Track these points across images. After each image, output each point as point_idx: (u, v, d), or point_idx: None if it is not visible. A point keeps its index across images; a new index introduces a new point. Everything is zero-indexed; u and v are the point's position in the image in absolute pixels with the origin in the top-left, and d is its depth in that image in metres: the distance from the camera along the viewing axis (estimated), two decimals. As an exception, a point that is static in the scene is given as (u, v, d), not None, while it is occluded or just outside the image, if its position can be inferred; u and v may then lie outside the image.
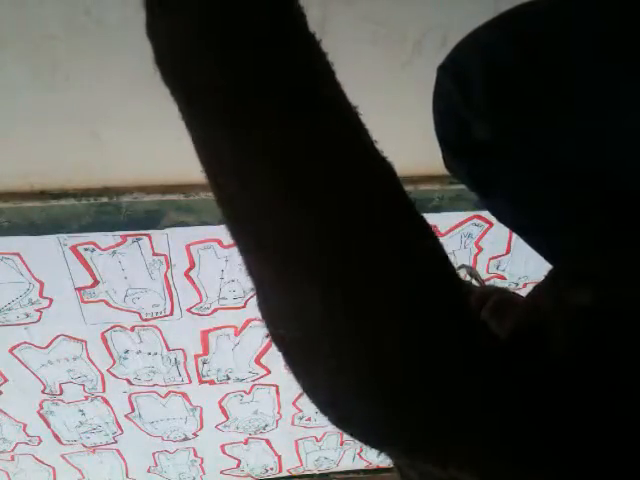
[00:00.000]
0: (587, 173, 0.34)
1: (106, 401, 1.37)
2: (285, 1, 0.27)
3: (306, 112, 0.28)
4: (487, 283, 0.72)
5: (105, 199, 0.98)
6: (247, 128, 0.27)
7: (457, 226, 1.14)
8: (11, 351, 1.22)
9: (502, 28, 0.38)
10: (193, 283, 1.15)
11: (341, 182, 0.28)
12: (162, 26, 0.27)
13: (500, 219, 0.45)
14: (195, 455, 1.58)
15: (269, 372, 1.37)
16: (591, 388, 0.29)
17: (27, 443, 1.45)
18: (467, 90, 0.38)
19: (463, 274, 0.67)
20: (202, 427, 1.49)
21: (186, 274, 1.13)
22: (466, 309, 0.31)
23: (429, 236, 0.30)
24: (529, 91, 0.35)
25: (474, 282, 0.67)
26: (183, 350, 1.28)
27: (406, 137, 0.91)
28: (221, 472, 1.66)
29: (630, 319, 0.30)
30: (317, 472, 1.73)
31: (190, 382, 1.36)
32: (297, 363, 0.31)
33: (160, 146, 0.93)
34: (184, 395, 1.39)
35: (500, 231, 1.14)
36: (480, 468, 0.30)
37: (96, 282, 1.11)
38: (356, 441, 0.32)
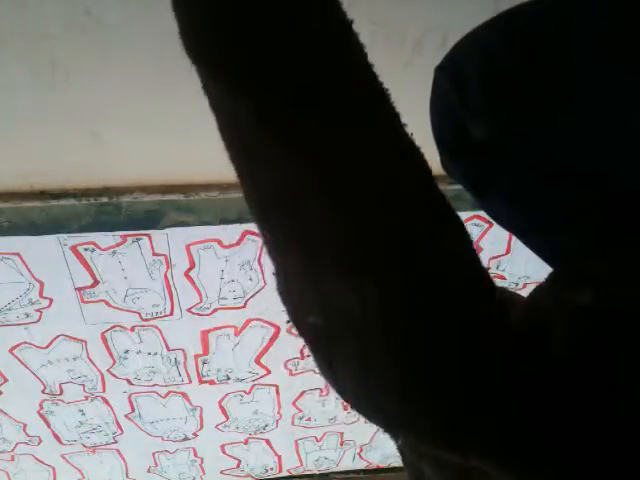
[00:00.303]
0: (587, 173, 0.34)
1: (106, 401, 1.37)
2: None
3: (342, 101, 0.28)
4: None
5: (105, 199, 0.98)
6: (274, 115, 0.28)
7: (457, 226, 1.14)
8: (11, 351, 1.22)
9: (500, 28, 0.38)
10: (193, 283, 1.15)
11: (373, 175, 0.28)
12: None
13: (497, 220, 0.45)
14: (195, 455, 1.58)
15: (269, 372, 1.37)
16: (591, 388, 0.29)
17: (27, 443, 1.45)
18: (465, 90, 0.38)
19: None
20: (202, 427, 1.49)
21: (186, 274, 1.13)
22: (490, 308, 0.31)
23: (459, 233, 0.31)
24: (528, 91, 0.35)
25: None
26: (183, 350, 1.28)
27: (406, 137, 0.91)
28: (221, 472, 1.66)
29: (630, 319, 0.30)
30: (317, 472, 1.73)
31: (190, 382, 1.36)
32: (319, 350, 0.32)
33: (160, 146, 0.93)
34: (184, 395, 1.39)
35: (500, 231, 1.13)
36: (493, 459, 0.30)
37: (96, 282, 1.11)
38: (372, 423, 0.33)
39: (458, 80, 0.39)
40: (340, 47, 0.29)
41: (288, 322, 0.32)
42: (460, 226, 0.31)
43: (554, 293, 0.36)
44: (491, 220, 0.45)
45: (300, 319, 0.32)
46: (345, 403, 0.33)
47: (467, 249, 0.31)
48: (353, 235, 0.28)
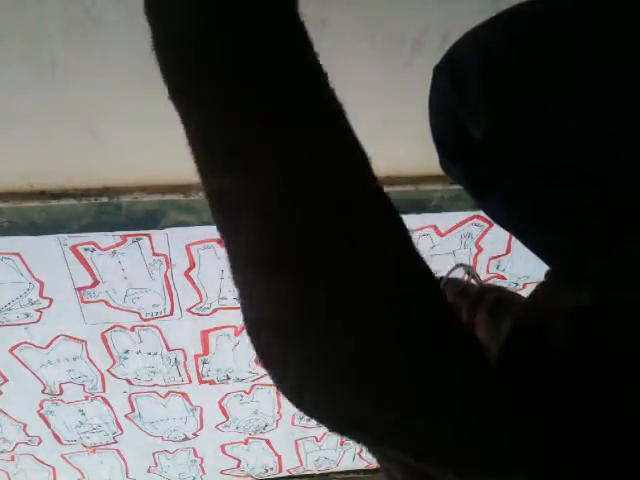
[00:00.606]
0: (585, 173, 0.34)
1: (106, 401, 1.37)
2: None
3: (305, 116, 0.28)
4: (487, 283, 0.72)
5: (105, 199, 0.98)
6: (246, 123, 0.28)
7: (457, 226, 1.14)
8: (11, 351, 1.22)
9: (500, 28, 0.38)
10: (193, 283, 1.15)
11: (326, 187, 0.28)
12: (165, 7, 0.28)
13: (495, 220, 0.44)
14: (195, 455, 1.58)
15: (269, 372, 1.37)
16: (590, 389, 0.29)
17: (27, 443, 1.45)
18: (464, 89, 0.38)
19: (461, 273, 0.67)
20: (202, 427, 1.49)
21: (186, 274, 1.13)
22: (452, 322, 0.31)
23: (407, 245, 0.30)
24: (527, 90, 0.35)
25: (472, 281, 0.67)
26: (183, 350, 1.28)
27: (406, 137, 0.91)
28: (221, 472, 1.66)
29: (629, 319, 0.30)
30: (317, 472, 1.73)
31: (190, 382, 1.36)
32: (274, 363, 0.31)
33: (160, 146, 0.93)
34: (184, 395, 1.39)
35: (500, 231, 1.13)
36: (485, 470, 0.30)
37: (96, 282, 1.11)
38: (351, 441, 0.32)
39: (457, 79, 0.39)
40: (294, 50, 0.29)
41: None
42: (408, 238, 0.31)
43: (553, 293, 0.36)
44: (491, 220, 0.45)
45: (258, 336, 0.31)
46: (319, 424, 0.32)
47: (401, 231, 0.31)
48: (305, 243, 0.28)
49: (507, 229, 0.45)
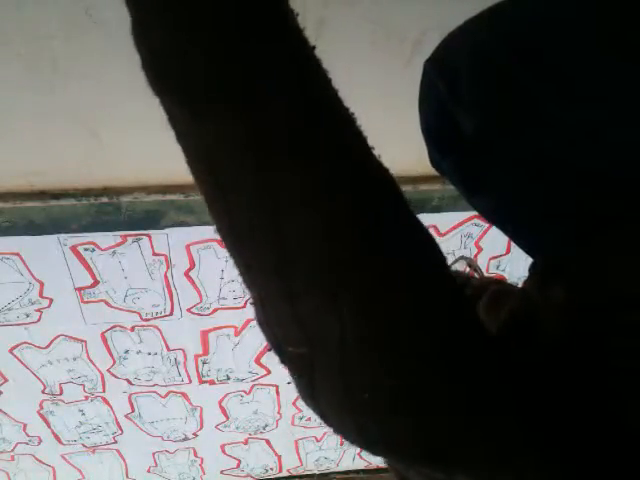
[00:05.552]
0: (573, 170, 0.34)
1: (106, 401, 1.37)
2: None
3: (305, 117, 0.28)
4: (488, 276, 0.72)
5: (105, 199, 0.98)
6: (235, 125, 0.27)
7: (457, 226, 1.14)
8: (11, 351, 1.22)
9: (490, 21, 0.38)
10: (193, 283, 1.15)
11: (338, 188, 0.28)
12: (154, 25, 0.27)
13: (486, 216, 0.44)
14: (195, 455, 1.58)
15: (269, 372, 1.37)
16: (570, 384, 0.29)
17: (27, 443, 1.45)
18: (454, 83, 0.38)
19: (462, 266, 0.67)
20: (202, 427, 1.49)
21: (186, 274, 1.13)
22: (467, 319, 0.31)
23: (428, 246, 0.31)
24: (518, 85, 0.35)
25: (474, 274, 0.67)
26: (183, 350, 1.28)
27: (406, 137, 0.90)
28: (221, 472, 1.66)
29: (599, 315, 0.31)
30: (317, 472, 1.73)
31: (190, 382, 1.36)
32: (302, 376, 0.32)
33: (160, 146, 0.93)
34: (184, 395, 1.39)
35: (500, 231, 1.13)
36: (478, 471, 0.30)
37: (96, 282, 1.11)
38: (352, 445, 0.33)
39: (447, 73, 0.38)
40: (298, 63, 0.28)
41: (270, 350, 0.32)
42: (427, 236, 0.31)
43: (536, 288, 0.37)
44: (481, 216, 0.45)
45: (280, 347, 0.32)
46: (328, 427, 0.32)
47: (429, 245, 0.31)
48: (327, 253, 0.28)
49: (496, 225, 0.45)
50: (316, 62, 0.29)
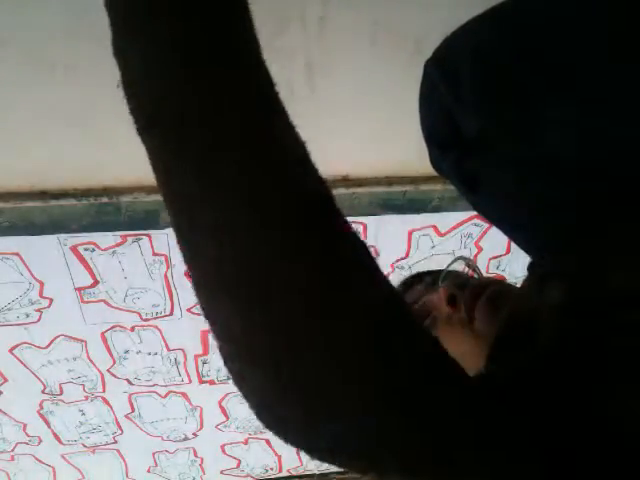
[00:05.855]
0: (574, 169, 0.34)
1: (106, 401, 1.37)
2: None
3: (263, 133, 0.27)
4: (487, 276, 0.72)
5: (105, 199, 0.98)
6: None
7: (457, 226, 1.14)
8: (11, 351, 1.22)
9: (491, 21, 0.38)
10: (193, 283, 1.15)
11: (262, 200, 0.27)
12: (135, 45, 0.27)
13: (485, 215, 0.44)
14: (195, 455, 1.58)
15: (269, 372, 1.37)
16: (565, 385, 0.29)
17: (27, 443, 1.45)
18: (455, 82, 0.38)
19: (461, 266, 0.66)
20: (202, 427, 1.49)
21: (186, 274, 1.13)
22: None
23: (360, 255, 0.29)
24: (519, 84, 0.35)
25: (473, 274, 0.67)
26: (183, 350, 1.28)
27: (406, 137, 0.91)
28: (221, 472, 1.66)
29: (599, 315, 0.31)
30: (317, 472, 1.73)
31: (190, 382, 1.36)
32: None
33: (160, 146, 0.93)
34: (184, 395, 1.39)
35: (500, 231, 1.13)
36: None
37: (96, 282, 1.11)
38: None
39: (449, 73, 0.38)
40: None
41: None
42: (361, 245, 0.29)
43: (534, 288, 0.37)
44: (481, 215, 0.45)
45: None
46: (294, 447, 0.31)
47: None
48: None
49: (495, 224, 0.45)
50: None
